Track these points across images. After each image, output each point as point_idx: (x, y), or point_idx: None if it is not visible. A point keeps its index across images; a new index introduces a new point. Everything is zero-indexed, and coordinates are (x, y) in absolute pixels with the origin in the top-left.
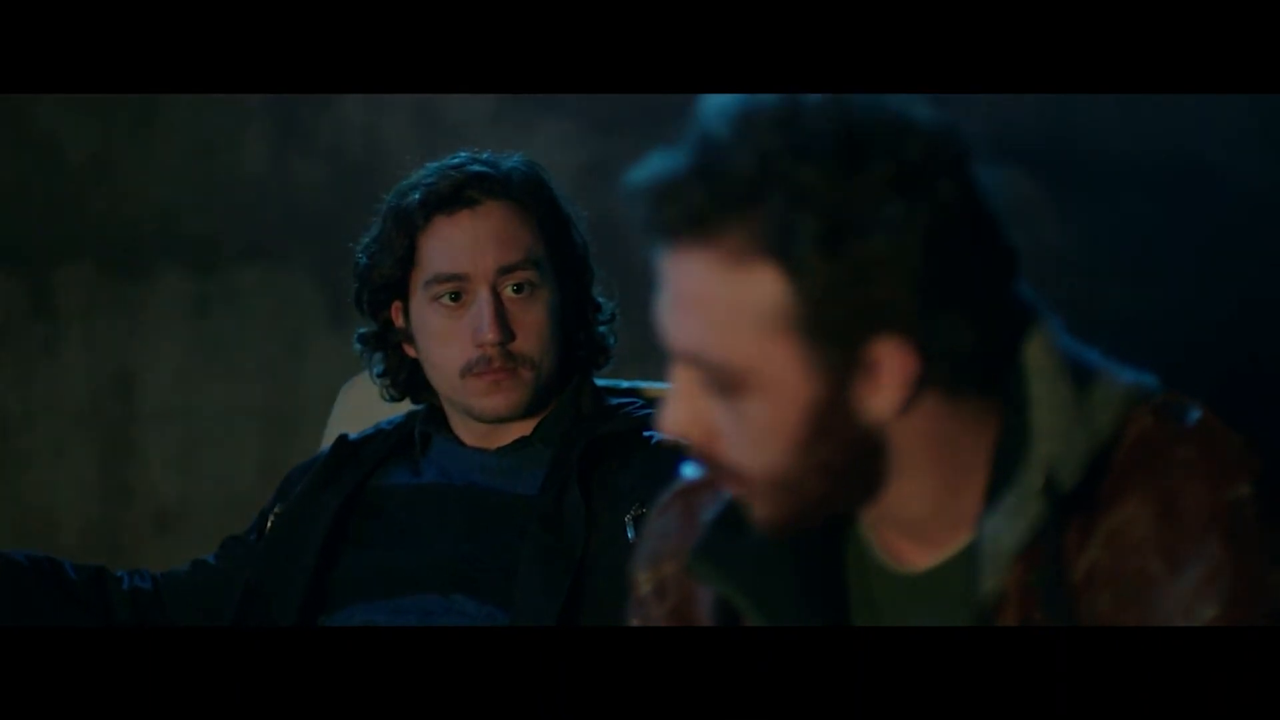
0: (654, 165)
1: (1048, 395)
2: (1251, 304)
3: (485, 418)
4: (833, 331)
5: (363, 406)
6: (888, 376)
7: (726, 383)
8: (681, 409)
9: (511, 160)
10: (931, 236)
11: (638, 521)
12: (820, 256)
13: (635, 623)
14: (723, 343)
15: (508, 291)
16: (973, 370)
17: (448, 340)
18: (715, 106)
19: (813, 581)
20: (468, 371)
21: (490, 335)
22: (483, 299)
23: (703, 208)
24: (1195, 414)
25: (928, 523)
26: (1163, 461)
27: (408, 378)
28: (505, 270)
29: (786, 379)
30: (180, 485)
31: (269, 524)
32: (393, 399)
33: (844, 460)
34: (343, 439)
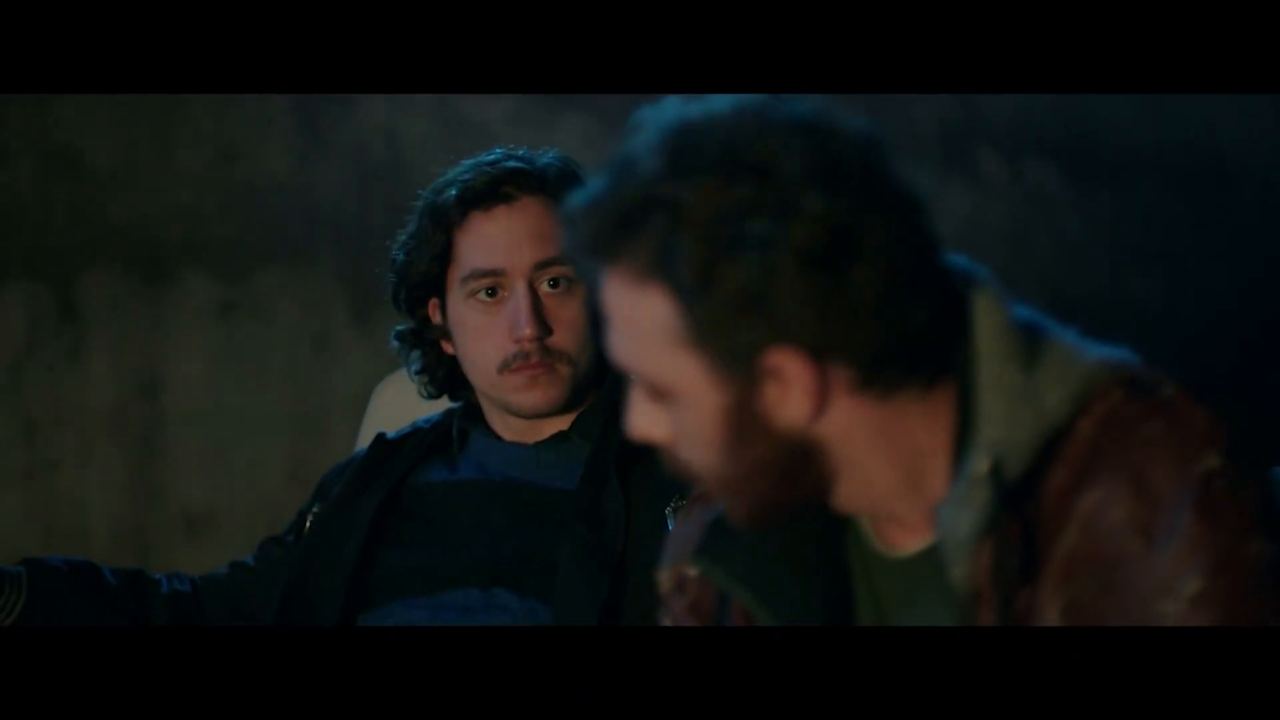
0: (574, 195)
1: (992, 379)
2: (1270, 296)
3: (524, 413)
4: (725, 345)
5: (398, 405)
6: (791, 385)
7: (654, 392)
8: (638, 414)
9: (546, 157)
10: (807, 251)
11: (677, 514)
12: (699, 277)
13: (664, 621)
14: (639, 357)
15: (544, 287)
16: (896, 367)
17: (485, 336)
18: (631, 130)
19: (813, 571)
20: (505, 367)
21: (528, 330)
22: (520, 294)
23: (599, 235)
24: (1163, 389)
25: (901, 510)
26: (1131, 439)
27: (446, 374)
28: (542, 266)
29: (696, 389)
30: (208, 488)
31: (308, 524)
32: (430, 396)
33: (779, 460)
34: (380, 437)
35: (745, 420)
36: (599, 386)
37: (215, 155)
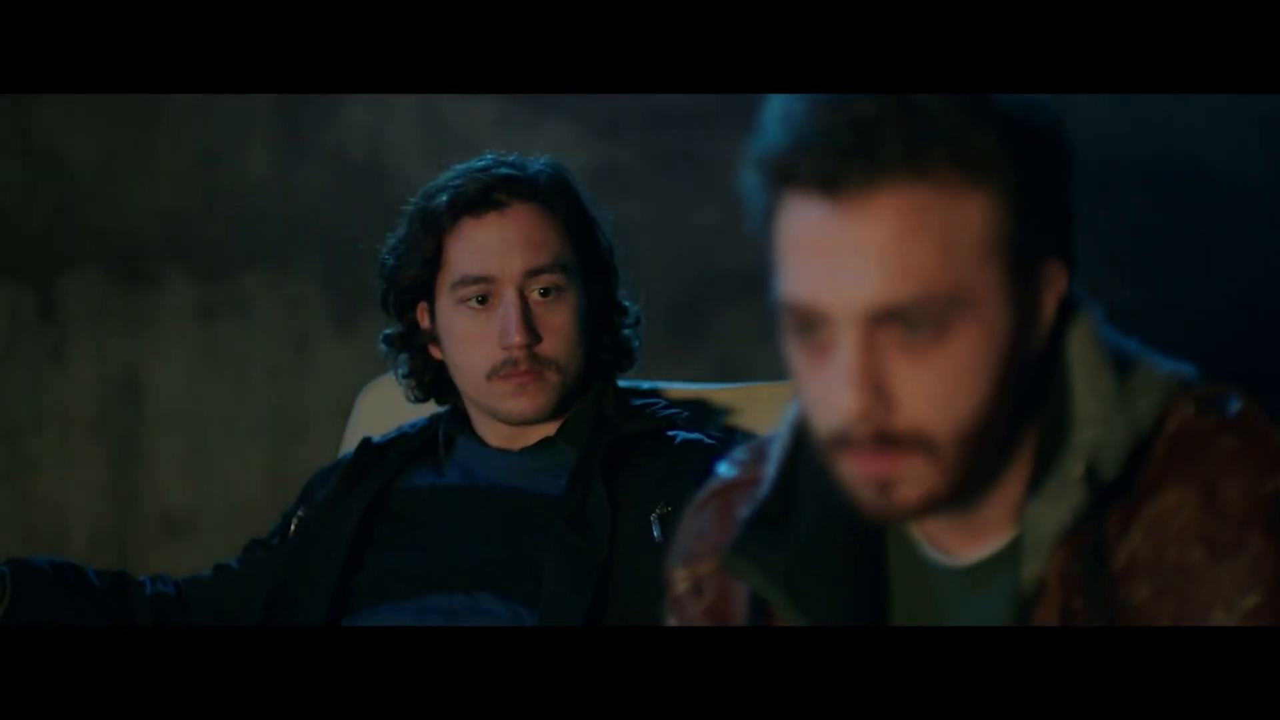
0: (817, 116)
1: (1089, 383)
2: (1250, 304)
3: (511, 420)
4: (1024, 253)
5: (383, 409)
6: (1048, 298)
7: (943, 317)
8: (866, 383)
9: (538, 163)
10: (1069, 172)
11: (663, 521)
12: (1017, 176)
13: (672, 622)
14: (945, 272)
15: (534, 294)
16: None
17: (474, 342)
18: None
19: (852, 577)
20: (494, 374)
21: (517, 338)
22: (509, 302)
23: (915, 136)
24: (1236, 404)
25: (990, 510)
26: (1204, 452)
27: (433, 379)
28: (532, 273)
29: (996, 303)
30: (188, 491)
31: (292, 527)
32: (417, 399)
33: (1011, 409)
34: (366, 442)
35: (1018, 347)
36: (585, 393)
37: (196, 157)
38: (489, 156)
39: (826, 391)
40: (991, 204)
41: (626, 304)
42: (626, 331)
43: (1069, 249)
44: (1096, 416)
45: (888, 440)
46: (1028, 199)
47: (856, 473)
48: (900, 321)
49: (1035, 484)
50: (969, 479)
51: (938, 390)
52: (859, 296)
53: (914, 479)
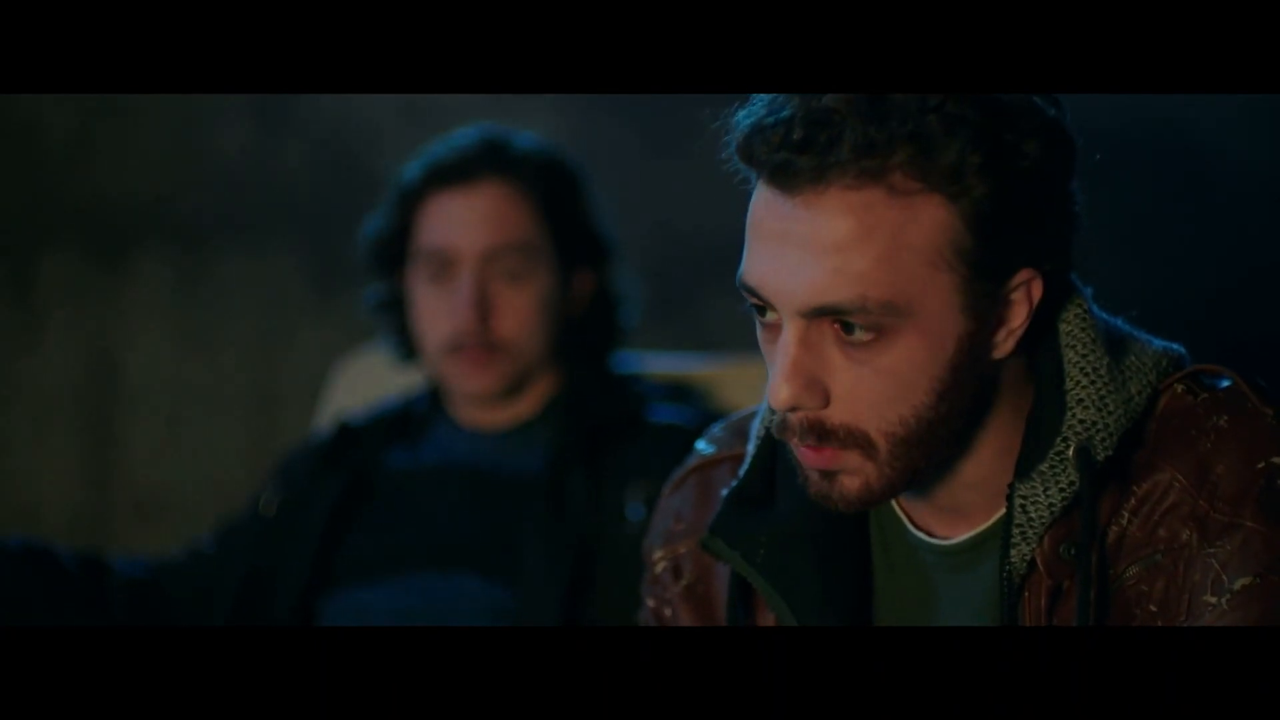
0: (779, 107)
1: (1081, 364)
2: (1238, 284)
3: (464, 396)
4: (986, 266)
5: (358, 384)
6: (1016, 308)
7: (880, 323)
8: (798, 375)
9: (524, 139)
10: (1063, 175)
11: (643, 500)
12: (983, 186)
13: (649, 602)
14: (886, 279)
15: (495, 274)
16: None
17: (431, 316)
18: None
19: (834, 558)
20: (447, 349)
21: (465, 318)
22: (464, 280)
23: (871, 137)
24: (1226, 383)
25: (972, 494)
26: (1195, 430)
27: (415, 344)
28: (494, 252)
29: (944, 314)
30: (164, 469)
31: (267, 507)
32: (403, 359)
33: (964, 409)
34: (342, 422)
35: (970, 353)
36: (570, 373)
37: (172, 133)
38: (475, 129)
39: (772, 375)
40: (949, 214)
41: (618, 285)
42: (616, 313)
43: (1056, 256)
44: (1089, 398)
45: (821, 434)
46: (997, 210)
47: (801, 458)
48: (837, 320)
49: (1025, 466)
50: (910, 475)
51: (873, 392)
52: (798, 291)
53: (852, 471)
